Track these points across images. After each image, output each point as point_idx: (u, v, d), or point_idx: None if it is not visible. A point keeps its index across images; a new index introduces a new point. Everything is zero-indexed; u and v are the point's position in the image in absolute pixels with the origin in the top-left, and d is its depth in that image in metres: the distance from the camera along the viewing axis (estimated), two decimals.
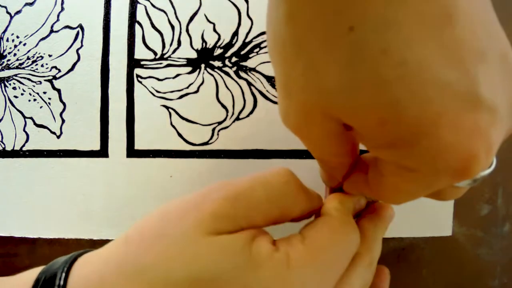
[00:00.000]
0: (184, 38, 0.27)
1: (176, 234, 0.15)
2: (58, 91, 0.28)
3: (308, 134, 0.17)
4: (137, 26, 0.27)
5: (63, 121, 0.28)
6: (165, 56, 0.27)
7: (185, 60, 0.27)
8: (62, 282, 0.15)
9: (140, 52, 0.27)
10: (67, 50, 0.28)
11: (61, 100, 0.28)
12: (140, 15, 0.27)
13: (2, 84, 0.28)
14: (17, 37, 0.28)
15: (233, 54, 0.27)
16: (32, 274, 0.16)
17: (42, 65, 0.28)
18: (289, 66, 0.14)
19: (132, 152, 0.27)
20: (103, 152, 0.27)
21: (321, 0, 0.12)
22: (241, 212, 0.16)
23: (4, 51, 0.28)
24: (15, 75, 0.28)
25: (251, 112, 0.27)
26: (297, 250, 0.16)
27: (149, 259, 0.15)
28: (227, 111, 0.27)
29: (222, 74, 0.27)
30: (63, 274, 0.15)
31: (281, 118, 0.17)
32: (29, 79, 0.28)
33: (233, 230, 0.16)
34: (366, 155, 0.19)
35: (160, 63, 0.27)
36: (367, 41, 0.12)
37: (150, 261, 0.15)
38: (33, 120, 0.28)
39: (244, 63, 0.27)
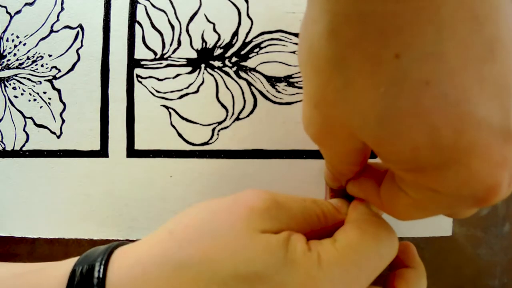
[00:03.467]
0: (184, 38, 0.27)
1: (224, 229, 0.16)
2: (58, 91, 0.28)
3: (327, 145, 0.17)
4: (137, 26, 0.27)
5: (63, 121, 0.28)
6: (165, 56, 0.27)
7: (185, 60, 0.27)
8: (101, 275, 0.15)
9: (140, 52, 0.27)
10: (67, 50, 0.28)
11: (61, 100, 0.28)
12: (140, 15, 0.27)
13: (2, 84, 0.28)
14: (17, 37, 0.28)
15: (233, 54, 0.27)
16: (66, 265, 0.16)
17: (42, 65, 0.28)
18: (324, 80, 0.14)
19: (132, 152, 0.27)
20: (103, 152, 0.27)
21: (367, 20, 0.11)
22: (283, 217, 0.17)
23: (4, 51, 0.28)
24: (15, 75, 0.28)
25: (251, 112, 0.27)
26: (328, 251, 0.16)
27: (194, 253, 0.15)
28: (227, 111, 0.27)
29: (222, 74, 0.27)
30: (102, 267, 0.15)
31: (303, 124, 0.17)
32: (29, 79, 0.28)
33: (274, 230, 0.16)
34: (380, 164, 0.19)
35: (160, 63, 0.27)
36: (412, 71, 0.11)
37: (195, 255, 0.15)
38: (33, 120, 0.28)
39: (244, 63, 0.27)
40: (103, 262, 0.16)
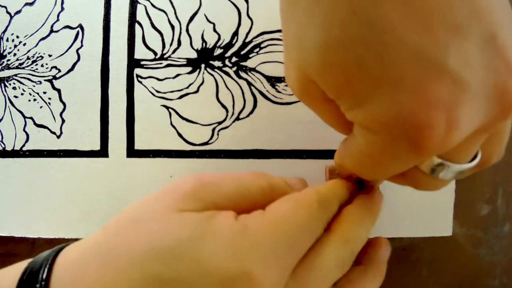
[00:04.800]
0: (184, 38, 0.27)
1: (147, 215, 0.16)
2: (58, 91, 0.28)
3: (302, 97, 0.17)
4: (137, 26, 0.27)
5: (63, 121, 0.28)
6: (165, 56, 0.27)
7: (185, 60, 0.27)
8: (46, 272, 0.15)
9: (140, 52, 0.27)
10: (67, 50, 0.28)
11: (61, 100, 0.28)
12: (140, 15, 0.27)
13: (2, 84, 0.28)
14: (17, 37, 0.28)
15: (233, 54, 0.27)
16: (21, 266, 0.17)
17: (42, 65, 0.28)
18: (286, 27, 0.15)
19: (132, 152, 0.27)
20: (103, 152, 0.27)
21: None
22: (210, 196, 0.16)
23: (4, 51, 0.28)
24: (15, 75, 0.28)
25: (251, 112, 0.27)
26: (256, 220, 0.16)
27: (119, 241, 0.15)
28: (227, 111, 0.27)
29: (222, 74, 0.27)
30: (47, 266, 0.16)
31: (285, 79, 0.18)
32: (29, 79, 0.28)
33: (200, 210, 0.16)
34: None
35: (160, 63, 0.27)
36: (342, 2, 0.12)
37: (120, 243, 0.15)
38: (33, 120, 0.28)
39: (244, 63, 0.27)
40: (49, 261, 0.16)
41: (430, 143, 0.12)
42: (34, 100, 0.28)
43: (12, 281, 0.16)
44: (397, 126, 0.13)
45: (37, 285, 0.15)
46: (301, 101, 0.17)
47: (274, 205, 0.17)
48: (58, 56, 0.28)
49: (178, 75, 0.27)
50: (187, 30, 0.27)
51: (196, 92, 0.27)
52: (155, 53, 0.27)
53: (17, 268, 0.16)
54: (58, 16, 0.28)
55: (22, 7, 0.28)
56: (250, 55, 0.27)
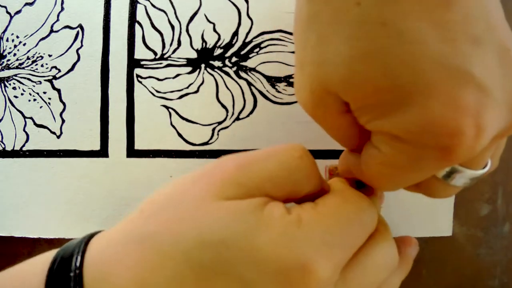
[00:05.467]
0: (184, 38, 0.27)
1: (186, 199, 0.16)
2: (58, 91, 0.28)
3: (315, 110, 0.17)
4: (137, 26, 0.27)
5: (63, 121, 0.28)
6: (165, 56, 0.27)
7: (185, 60, 0.27)
8: (79, 260, 0.15)
9: (140, 52, 0.27)
10: (67, 50, 0.28)
11: (61, 100, 0.28)
12: (140, 15, 0.27)
13: (2, 84, 0.28)
14: (17, 37, 0.28)
15: (233, 54, 0.27)
16: (49, 254, 0.16)
17: (42, 65, 0.28)
18: (304, 39, 0.16)
19: (132, 152, 0.27)
20: (103, 152, 0.27)
21: None
22: (252, 181, 0.16)
23: (4, 51, 0.28)
24: (15, 75, 0.28)
25: (251, 112, 0.27)
26: (308, 212, 0.15)
27: (157, 225, 0.15)
28: (227, 111, 0.27)
29: (222, 74, 0.27)
30: (80, 253, 0.15)
31: (295, 93, 0.18)
32: (29, 79, 0.28)
33: (244, 197, 0.15)
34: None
35: (160, 63, 0.27)
36: (370, 15, 0.13)
37: (158, 227, 0.15)
38: (33, 120, 0.28)
39: (244, 63, 0.27)
40: (82, 246, 0.16)
41: (460, 149, 0.13)
42: (34, 100, 0.28)
43: (39, 272, 0.15)
44: (428, 134, 0.13)
45: (71, 274, 0.14)
46: (313, 115, 0.17)
47: (324, 199, 0.17)
48: (58, 56, 0.28)
49: (178, 75, 0.27)
50: (187, 30, 0.27)
51: (196, 92, 0.27)
52: (155, 53, 0.27)
53: (43, 259, 0.16)
54: (58, 16, 0.28)
55: (22, 7, 0.28)
56: (250, 55, 0.27)
